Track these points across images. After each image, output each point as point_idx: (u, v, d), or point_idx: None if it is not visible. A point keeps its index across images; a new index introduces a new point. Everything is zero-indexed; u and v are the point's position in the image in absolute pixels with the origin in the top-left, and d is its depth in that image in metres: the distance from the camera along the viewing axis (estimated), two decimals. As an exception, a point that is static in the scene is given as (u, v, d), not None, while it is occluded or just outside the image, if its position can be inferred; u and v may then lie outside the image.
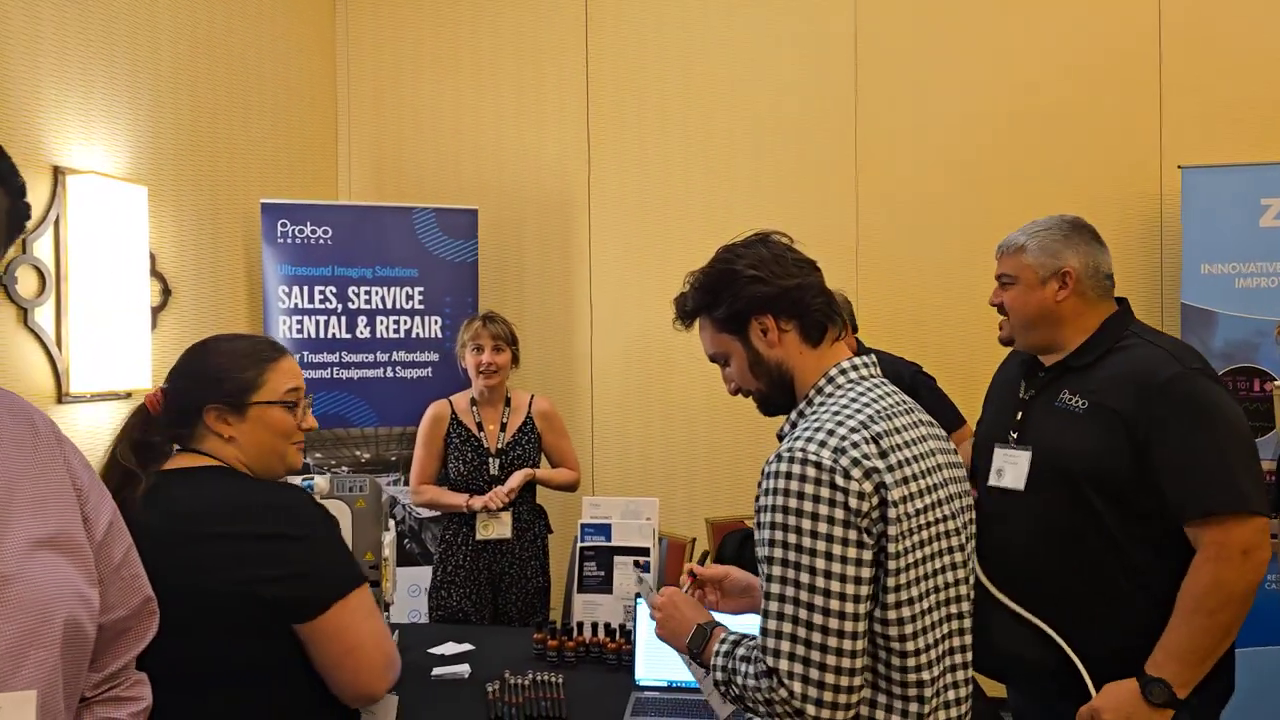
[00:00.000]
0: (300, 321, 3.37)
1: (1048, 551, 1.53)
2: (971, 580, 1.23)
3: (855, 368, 1.24)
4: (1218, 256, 3.14)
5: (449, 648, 2.17)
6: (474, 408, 2.66)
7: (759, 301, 1.22)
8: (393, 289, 3.48)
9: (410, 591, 3.25)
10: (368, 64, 3.98)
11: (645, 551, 2.34)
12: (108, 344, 2.53)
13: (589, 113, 3.84)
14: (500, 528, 2.58)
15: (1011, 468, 1.59)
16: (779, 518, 1.08)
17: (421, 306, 3.51)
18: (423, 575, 2.99)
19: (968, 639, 1.20)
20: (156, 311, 2.85)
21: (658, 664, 1.93)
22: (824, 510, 1.06)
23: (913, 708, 1.10)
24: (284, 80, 3.59)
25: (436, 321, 3.50)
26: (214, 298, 3.16)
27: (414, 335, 3.49)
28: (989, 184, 3.54)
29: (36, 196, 2.40)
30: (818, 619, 1.05)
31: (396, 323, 3.47)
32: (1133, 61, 3.44)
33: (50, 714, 0.77)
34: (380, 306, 3.46)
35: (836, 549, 1.05)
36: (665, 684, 1.94)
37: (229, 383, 1.27)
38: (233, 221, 3.28)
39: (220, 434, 1.26)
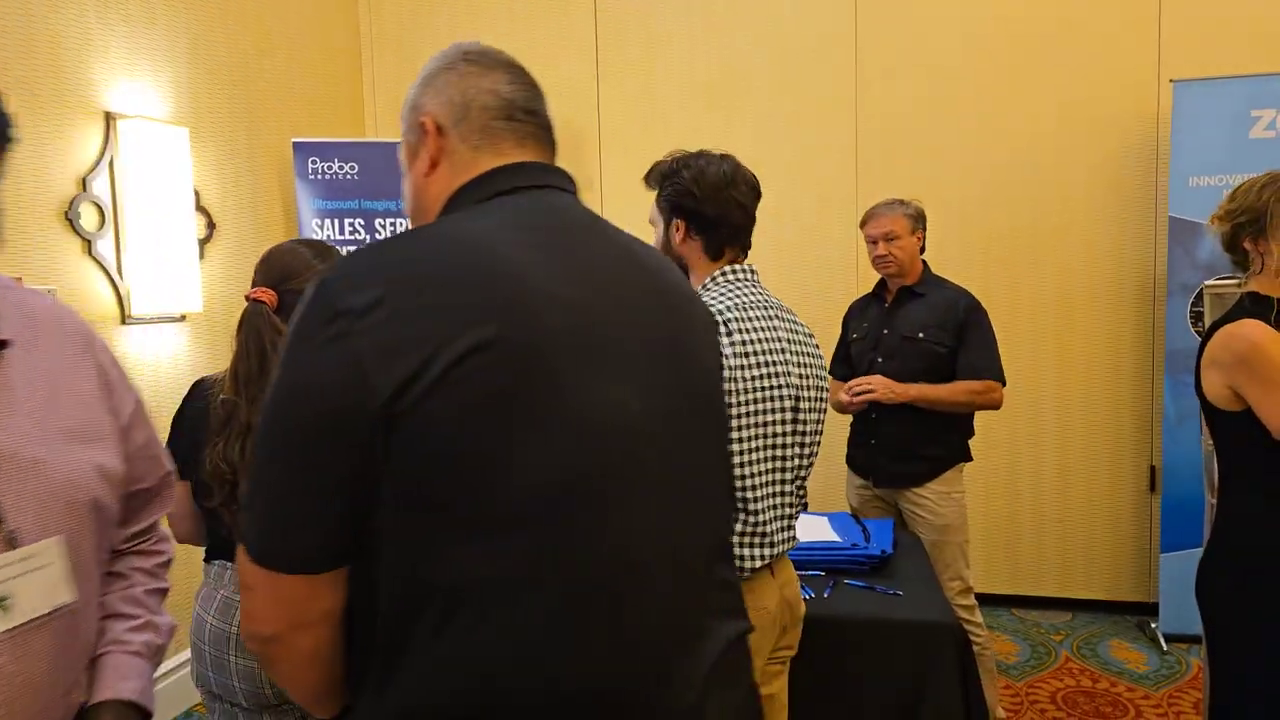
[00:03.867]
0: (333, 252, 3.65)
1: None
2: (808, 443, 1.59)
3: (735, 272, 1.60)
4: (1207, 169, 3.20)
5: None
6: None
7: (681, 209, 1.58)
8: (416, 220, 3.73)
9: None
10: (389, 5, 4.16)
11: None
12: (162, 272, 2.85)
13: (597, 42, 3.98)
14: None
15: None
16: None
17: (444, 236, 3.75)
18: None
19: (789, 475, 1.56)
20: (203, 243, 3.15)
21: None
22: None
23: (742, 516, 1.51)
24: (309, 20, 3.80)
25: (458, 250, 3.75)
26: (254, 230, 3.45)
27: (437, 263, 3.75)
28: (988, 100, 3.61)
29: (92, 140, 2.69)
30: None
31: (421, 252, 3.73)
32: (1133, -25, 3.44)
33: (82, 566, 0.94)
34: (405, 237, 3.72)
35: None
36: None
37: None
38: (268, 159, 3.54)
39: None
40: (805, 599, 1.89)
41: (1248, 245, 1.69)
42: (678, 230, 1.58)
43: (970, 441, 2.68)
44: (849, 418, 2.79)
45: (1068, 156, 3.55)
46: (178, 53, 3.05)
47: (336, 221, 3.65)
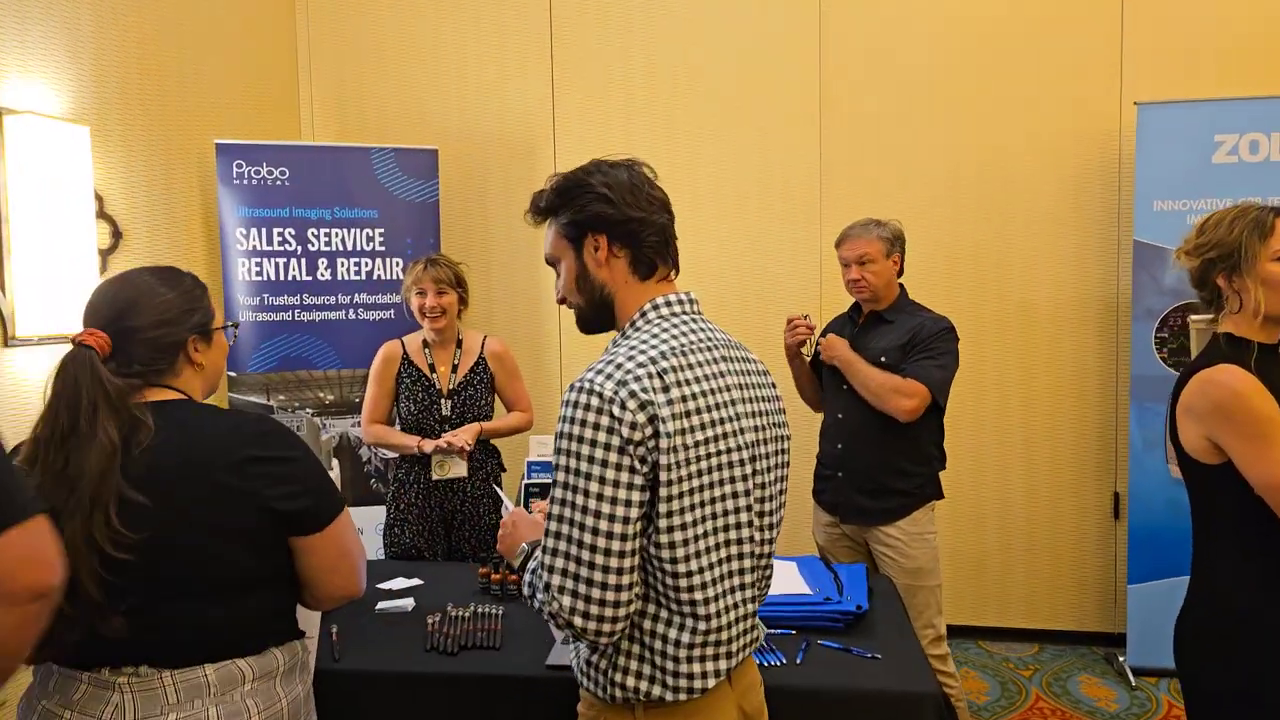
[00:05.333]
0: (259, 263, 3.36)
1: None
2: (768, 511, 1.30)
3: (669, 304, 1.28)
4: (1170, 193, 3.13)
5: (398, 583, 2.24)
6: (426, 349, 2.69)
7: (599, 220, 1.26)
8: (353, 230, 3.46)
9: (376, 529, 3.32)
10: (326, 2, 3.89)
11: (590, 488, 2.39)
12: (54, 287, 2.54)
13: (553, 52, 3.77)
14: (456, 468, 2.63)
15: None
16: (563, 443, 1.15)
17: (383, 248, 3.49)
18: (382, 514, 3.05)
19: (748, 563, 1.26)
20: (106, 254, 2.84)
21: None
22: (601, 438, 1.12)
23: (690, 623, 1.19)
24: (241, 18, 3.50)
25: (398, 263, 3.50)
26: (169, 240, 3.15)
27: (375, 277, 3.49)
28: (951, 121, 3.50)
29: (-28, 139, 2.37)
30: (587, 539, 1.13)
31: (358, 264, 3.47)
32: (1099, -8, 3.37)
33: None
34: (340, 248, 3.45)
35: (610, 474, 1.12)
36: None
37: (199, 313, 1.35)
38: (186, 162, 3.24)
39: (197, 363, 1.34)
40: (776, 665, 1.71)
41: (1221, 283, 1.56)
42: (597, 249, 1.27)
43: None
44: (814, 450, 2.62)
45: (1031, 177, 3.46)
46: (80, 42, 2.74)
47: (264, 230, 3.36)
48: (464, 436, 2.56)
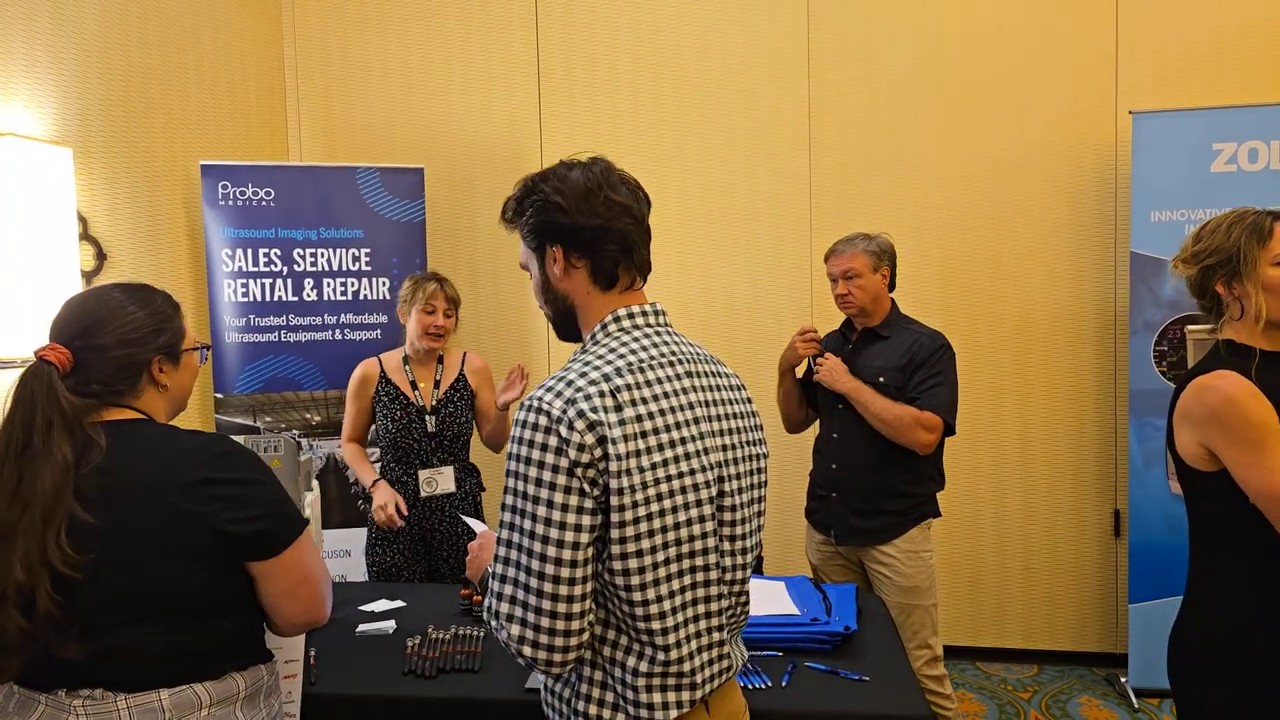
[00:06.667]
0: (245, 285, 3.34)
1: None
2: (740, 535, 1.21)
3: (631, 315, 1.21)
4: (1168, 203, 3.10)
5: (380, 605, 2.19)
6: (406, 365, 2.66)
7: (552, 230, 1.20)
8: (338, 250, 3.44)
9: (362, 551, 3.26)
10: (314, 22, 3.90)
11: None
12: (36, 309, 2.51)
13: (539, 70, 3.77)
14: (445, 482, 2.60)
15: None
16: (511, 464, 1.10)
17: (369, 268, 3.47)
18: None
19: (714, 590, 1.18)
20: (90, 276, 2.82)
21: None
22: (549, 459, 1.06)
23: (649, 652, 1.12)
24: (226, 40, 3.51)
25: (384, 283, 3.48)
26: (154, 261, 3.13)
27: (361, 297, 3.46)
28: (943, 130, 3.48)
29: (-51, 159, 2.36)
30: (535, 564, 1.06)
31: (344, 284, 3.45)
32: (1089, 4, 3.36)
33: None
34: (326, 268, 3.42)
35: (558, 497, 1.06)
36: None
37: (166, 334, 1.31)
38: (172, 184, 3.23)
39: (160, 384, 1.31)
40: (760, 688, 1.66)
41: (1220, 289, 1.55)
42: (555, 261, 1.20)
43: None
44: (808, 468, 2.58)
45: (1025, 188, 3.44)
46: (64, 65, 2.74)
47: (249, 251, 3.34)
48: (392, 510, 2.52)
